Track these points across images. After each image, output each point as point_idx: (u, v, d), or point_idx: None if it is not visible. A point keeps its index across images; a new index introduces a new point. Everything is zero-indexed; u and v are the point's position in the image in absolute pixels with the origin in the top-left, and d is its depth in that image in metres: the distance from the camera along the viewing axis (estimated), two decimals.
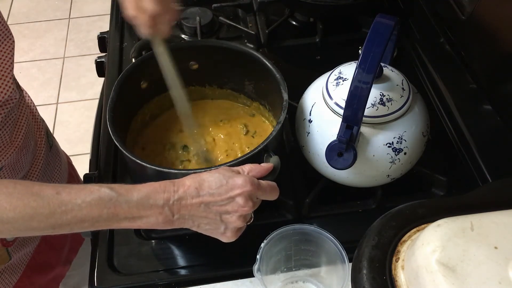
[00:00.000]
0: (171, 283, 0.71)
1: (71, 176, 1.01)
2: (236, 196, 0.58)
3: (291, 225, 0.66)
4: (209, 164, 0.77)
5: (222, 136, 0.83)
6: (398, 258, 0.53)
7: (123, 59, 1.03)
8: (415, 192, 0.80)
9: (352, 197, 0.80)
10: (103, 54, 1.11)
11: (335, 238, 0.64)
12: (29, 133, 0.78)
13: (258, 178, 0.62)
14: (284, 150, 0.86)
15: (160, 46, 0.71)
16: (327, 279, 0.70)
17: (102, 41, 1.14)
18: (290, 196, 0.78)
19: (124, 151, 0.66)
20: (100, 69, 1.08)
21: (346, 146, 0.66)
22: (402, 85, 0.73)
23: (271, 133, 0.68)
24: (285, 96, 0.73)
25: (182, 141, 0.82)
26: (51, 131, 2.05)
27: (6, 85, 0.67)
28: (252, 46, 1.05)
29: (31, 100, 0.88)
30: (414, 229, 0.55)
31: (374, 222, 0.58)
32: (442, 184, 0.79)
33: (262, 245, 0.64)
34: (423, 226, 0.55)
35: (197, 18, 1.05)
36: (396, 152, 0.71)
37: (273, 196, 0.63)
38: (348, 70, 0.75)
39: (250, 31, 1.05)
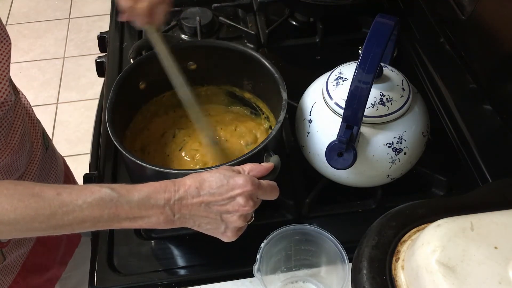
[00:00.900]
0: (171, 283, 0.71)
1: (67, 178, 1.00)
2: (237, 195, 0.58)
3: (291, 225, 0.66)
4: (224, 154, 0.77)
5: (221, 135, 0.83)
6: (398, 258, 0.53)
7: (123, 59, 1.03)
8: (415, 192, 0.80)
9: (352, 197, 0.80)
10: (103, 54, 1.11)
11: (335, 238, 0.64)
12: (25, 134, 0.78)
13: (259, 178, 0.62)
14: (284, 150, 0.86)
15: (155, 34, 0.73)
16: (327, 279, 0.70)
17: (102, 41, 1.14)
18: (290, 196, 0.78)
19: (123, 152, 0.66)
20: (100, 69, 1.08)
21: (346, 146, 0.66)
22: (402, 85, 0.73)
23: (270, 133, 0.68)
24: (284, 95, 0.73)
25: (182, 141, 0.82)
26: (51, 131, 2.06)
27: (2, 87, 0.66)
28: (252, 46, 1.05)
29: (28, 101, 0.88)
30: (414, 229, 0.55)
31: (374, 222, 0.58)
32: (442, 184, 0.79)
33: (262, 245, 0.64)
34: (423, 226, 0.55)
35: (197, 18, 1.05)
36: (396, 152, 0.71)
37: (273, 195, 0.63)
38: (348, 70, 0.75)
39: (250, 31, 1.05)
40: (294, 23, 1.12)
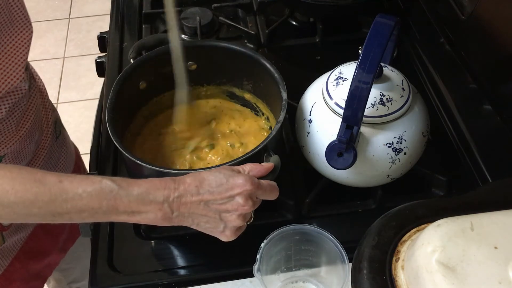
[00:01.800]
0: (171, 283, 0.71)
1: (77, 168, 1.00)
2: (236, 195, 0.58)
3: (291, 225, 0.66)
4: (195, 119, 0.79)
5: (219, 136, 0.83)
6: (398, 258, 0.53)
7: (123, 59, 1.03)
8: (415, 192, 0.80)
9: (352, 197, 0.80)
10: (103, 54, 1.11)
11: (335, 238, 0.64)
12: (36, 123, 0.79)
13: (259, 178, 0.62)
14: (284, 150, 0.86)
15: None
16: (327, 279, 0.70)
17: (102, 41, 1.14)
18: (290, 196, 0.78)
19: (123, 152, 0.66)
20: (100, 69, 1.08)
21: (346, 146, 0.66)
22: (402, 85, 0.73)
23: (270, 133, 0.68)
24: (284, 95, 0.73)
25: (182, 141, 0.82)
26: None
27: (17, 73, 0.67)
28: (252, 46, 1.05)
29: (44, 87, 0.88)
30: (414, 229, 0.55)
31: (374, 222, 0.58)
32: (442, 184, 0.79)
33: (262, 245, 0.64)
34: (423, 226, 0.55)
35: (197, 18, 1.05)
36: (396, 152, 0.71)
37: (273, 195, 0.63)
38: (348, 70, 0.75)
39: (250, 31, 1.05)
40: (294, 23, 1.12)
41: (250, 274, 0.65)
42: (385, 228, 0.56)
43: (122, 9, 1.15)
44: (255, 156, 0.66)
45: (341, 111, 0.69)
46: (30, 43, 0.70)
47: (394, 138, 0.70)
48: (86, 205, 0.56)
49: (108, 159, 0.85)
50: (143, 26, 1.11)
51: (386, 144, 0.70)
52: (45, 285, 1.06)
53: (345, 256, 0.63)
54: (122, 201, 0.56)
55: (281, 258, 0.69)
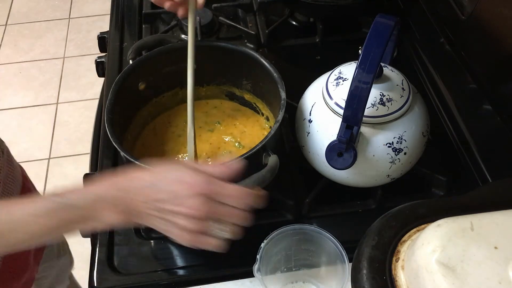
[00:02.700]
0: (171, 283, 0.71)
1: (24, 188, 0.94)
2: (188, 196, 0.53)
3: (291, 225, 0.66)
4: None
5: (217, 136, 0.83)
6: (398, 258, 0.53)
7: (123, 59, 1.03)
8: (415, 192, 0.80)
9: (352, 197, 0.80)
10: (103, 54, 1.11)
11: (335, 238, 0.64)
12: None
13: (234, 181, 0.55)
14: (284, 150, 0.86)
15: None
16: (327, 279, 0.69)
17: (102, 41, 1.14)
18: (290, 196, 0.78)
19: (122, 152, 0.66)
20: (100, 69, 1.08)
21: (346, 146, 0.66)
22: (402, 85, 0.73)
23: (269, 132, 0.68)
24: (283, 95, 0.73)
25: (181, 142, 0.82)
26: (51, 131, 2.05)
27: None
28: (252, 46, 1.05)
29: None
30: (414, 229, 0.55)
31: (374, 222, 0.58)
32: (442, 184, 0.79)
33: (262, 245, 0.64)
34: (423, 226, 0.55)
35: (197, 18, 1.05)
36: (396, 152, 0.71)
37: (248, 202, 0.55)
38: (348, 70, 0.75)
39: (250, 31, 1.05)
40: (294, 23, 1.12)
41: (250, 274, 0.65)
42: (385, 228, 0.56)
43: (122, 9, 1.15)
44: (254, 156, 0.66)
45: (341, 111, 0.69)
46: None
47: (394, 138, 0.70)
48: (38, 229, 0.53)
49: (108, 159, 0.85)
50: (143, 26, 1.11)
51: (386, 144, 0.70)
52: None
53: (345, 256, 0.63)
54: (73, 212, 0.53)
55: (281, 258, 0.69)
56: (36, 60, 2.39)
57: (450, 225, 0.49)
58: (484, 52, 0.83)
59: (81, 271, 1.62)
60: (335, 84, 0.73)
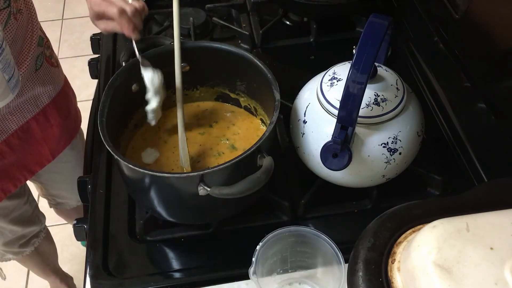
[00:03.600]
0: (166, 286, 0.71)
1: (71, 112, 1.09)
2: None
3: (286, 227, 0.66)
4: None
5: (211, 138, 0.83)
6: (394, 259, 0.53)
7: (116, 60, 1.02)
8: (411, 192, 0.80)
9: (347, 198, 0.79)
10: (97, 55, 1.11)
11: (331, 239, 0.64)
12: (17, 42, 0.82)
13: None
14: (279, 151, 0.85)
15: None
16: (323, 280, 0.69)
17: (96, 42, 1.13)
18: (285, 197, 0.78)
19: (115, 155, 0.66)
20: (94, 70, 1.08)
21: (341, 147, 0.66)
22: (397, 84, 0.73)
23: (264, 134, 0.68)
24: (277, 96, 0.72)
25: (175, 143, 0.82)
26: None
27: None
28: (246, 46, 1.05)
29: (36, 14, 0.92)
30: (410, 230, 0.55)
31: (369, 224, 0.57)
32: (438, 183, 0.79)
33: (258, 247, 0.64)
34: (418, 227, 0.55)
35: (190, 19, 1.05)
36: (391, 152, 0.71)
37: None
38: (342, 70, 0.74)
39: (244, 32, 1.05)
40: (288, 23, 1.11)
41: (246, 277, 0.65)
42: (380, 230, 0.55)
43: None
44: (248, 158, 0.65)
45: (336, 112, 0.68)
46: None
47: (389, 138, 0.70)
48: None
49: (102, 162, 0.84)
50: None
51: (381, 144, 0.70)
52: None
53: (341, 257, 0.63)
54: None
55: (277, 260, 0.69)
56: None
57: (445, 226, 0.49)
58: (478, 50, 0.83)
59: (76, 274, 1.62)
60: (329, 84, 0.73)
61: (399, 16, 1.06)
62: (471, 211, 0.51)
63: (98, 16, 0.77)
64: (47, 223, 1.31)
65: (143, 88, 0.80)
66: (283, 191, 0.79)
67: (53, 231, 1.39)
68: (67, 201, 1.32)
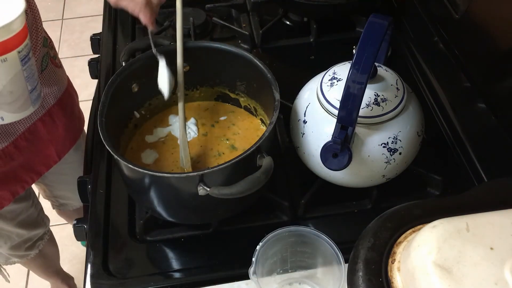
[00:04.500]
0: (166, 287, 0.71)
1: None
2: None
3: (286, 227, 0.66)
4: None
5: (211, 138, 0.83)
6: (394, 259, 0.53)
7: (116, 60, 1.02)
8: (411, 192, 0.80)
9: (347, 198, 0.79)
10: (96, 55, 1.11)
11: (331, 239, 0.64)
12: None
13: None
14: (279, 151, 0.85)
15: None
16: (323, 280, 0.69)
17: (96, 42, 1.13)
18: (285, 197, 0.78)
19: (115, 155, 0.66)
20: (94, 70, 1.08)
21: (341, 147, 0.66)
22: (397, 84, 0.73)
23: (263, 134, 0.68)
24: (277, 96, 0.72)
25: (174, 144, 0.82)
26: None
27: None
28: (246, 46, 1.05)
29: (40, 16, 0.92)
30: (410, 230, 0.55)
31: (369, 223, 0.57)
32: (438, 183, 0.79)
33: (258, 247, 0.64)
34: (418, 227, 0.55)
35: (190, 19, 1.05)
36: (391, 152, 0.71)
37: None
38: (342, 70, 0.74)
39: (244, 32, 1.05)
40: (288, 23, 1.11)
41: (246, 277, 0.65)
42: (380, 230, 0.55)
43: (115, 10, 1.14)
44: (248, 158, 0.65)
45: (336, 112, 0.68)
46: None
47: (389, 138, 0.70)
48: None
49: (102, 162, 0.84)
50: (136, 27, 1.10)
51: (381, 144, 0.70)
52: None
53: (341, 257, 0.63)
54: None
55: (277, 260, 0.69)
56: None
57: (445, 226, 0.49)
58: (478, 50, 0.83)
59: (76, 274, 1.62)
60: (329, 84, 0.73)
61: (399, 16, 1.06)
62: (471, 211, 0.51)
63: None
64: None
65: (143, 88, 0.80)
66: (283, 191, 0.79)
67: (53, 231, 1.39)
68: (71, 202, 1.32)
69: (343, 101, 0.64)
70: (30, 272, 1.64)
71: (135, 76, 0.79)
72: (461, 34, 0.87)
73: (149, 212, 0.76)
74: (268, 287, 0.69)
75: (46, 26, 0.95)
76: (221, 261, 0.73)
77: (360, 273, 0.53)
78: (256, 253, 0.64)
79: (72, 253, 1.74)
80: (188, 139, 0.81)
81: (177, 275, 0.72)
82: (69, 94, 1.06)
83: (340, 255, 0.63)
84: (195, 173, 0.64)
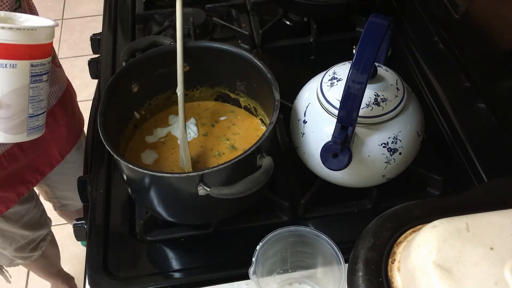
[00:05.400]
0: (166, 287, 0.71)
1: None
2: None
3: (286, 227, 0.66)
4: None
5: (211, 138, 0.83)
6: (394, 259, 0.53)
7: (116, 60, 1.02)
8: (411, 192, 0.80)
9: (347, 198, 0.79)
10: (96, 55, 1.11)
11: (331, 239, 0.64)
12: None
13: None
14: (279, 151, 0.85)
15: None
16: (323, 280, 0.69)
17: (96, 42, 1.13)
18: (285, 197, 0.78)
19: (115, 155, 0.66)
20: (94, 70, 1.08)
21: (341, 147, 0.66)
22: (397, 84, 0.73)
23: (263, 134, 0.68)
24: (277, 96, 0.72)
25: (174, 144, 0.82)
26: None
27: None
28: (246, 46, 1.05)
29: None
30: (410, 230, 0.55)
31: (369, 224, 0.57)
32: (438, 183, 0.79)
33: (258, 247, 0.64)
34: (418, 227, 0.55)
35: (190, 19, 1.05)
36: (391, 152, 0.71)
37: None
38: (342, 70, 0.74)
39: (244, 32, 1.05)
40: (288, 23, 1.11)
41: (246, 276, 0.65)
42: (380, 230, 0.55)
43: (115, 10, 1.14)
44: (248, 158, 0.65)
45: (336, 112, 0.68)
46: None
47: (389, 138, 0.70)
48: None
49: (102, 162, 0.84)
50: (136, 27, 1.10)
51: (381, 144, 0.70)
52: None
53: (341, 257, 0.63)
54: None
55: (277, 260, 0.69)
56: None
57: (445, 226, 0.49)
58: (478, 50, 0.83)
59: (76, 273, 1.62)
60: (329, 84, 0.73)
61: (399, 16, 1.06)
62: (471, 211, 0.51)
63: None
64: None
65: (143, 88, 0.80)
66: (283, 191, 0.79)
67: (53, 232, 1.39)
68: (73, 202, 1.33)
69: (343, 101, 0.64)
70: (30, 272, 1.64)
71: (135, 76, 0.79)
72: (461, 34, 0.87)
73: (149, 212, 0.76)
74: (268, 287, 0.69)
75: None
76: (221, 261, 0.73)
77: (360, 273, 0.53)
78: (256, 253, 0.64)
79: (72, 253, 1.74)
80: (188, 139, 0.81)
81: (177, 275, 0.72)
82: (69, 93, 1.07)
83: (340, 255, 0.63)
84: (195, 173, 0.64)
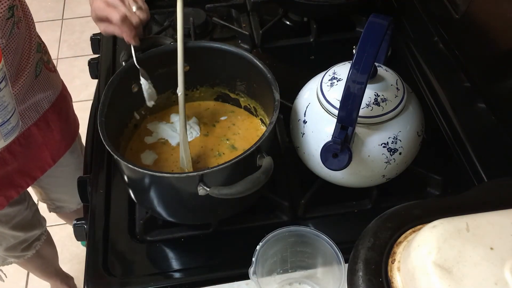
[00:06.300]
0: (166, 287, 0.71)
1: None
2: None
3: (286, 227, 0.66)
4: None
5: (211, 138, 0.83)
6: (394, 259, 0.53)
7: (116, 60, 1.02)
8: (411, 192, 0.80)
9: (347, 198, 0.79)
10: (96, 55, 1.11)
11: (331, 239, 0.64)
12: (16, 56, 0.82)
13: None
14: (279, 151, 0.85)
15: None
16: (323, 280, 0.69)
17: (96, 42, 1.13)
18: (285, 197, 0.78)
19: (115, 155, 0.66)
20: (94, 70, 1.08)
21: (341, 147, 0.66)
22: (397, 84, 0.73)
23: (263, 134, 0.68)
24: (277, 96, 0.72)
25: (166, 149, 0.82)
26: None
27: None
28: (246, 46, 1.05)
29: (34, 24, 0.91)
30: (410, 230, 0.55)
31: (369, 223, 0.57)
32: (438, 183, 0.79)
33: (258, 247, 0.64)
34: (418, 227, 0.55)
35: (190, 19, 1.05)
36: (391, 152, 0.71)
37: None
38: (342, 70, 0.74)
39: (244, 32, 1.05)
40: (288, 23, 1.11)
41: (246, 276, 0.65)
42: (380, 230, 0.55)
43: None
44: (248, 158, 0.65)
45: (336, 112, 0.68)
46: None
47: (389, 138, 0.70)
48: None
49: (102, 162, 0.84)
50: None
51: (381, 144, 0.70)
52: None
53: (341, 257, 0.63)
54: None
55: (277, 260, 0.69)
56: None
57: (445, 226, 0.49)
58: (478, 50, 0.83)
59: (76, 273, 1.62)
60: (329, 84, 0.73)
61: (399, 16, 1.06)
62: (471, 211, 0.51)
63: (100, 19, 0.77)
64: (46, 224, 1.31)
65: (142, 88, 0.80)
66: (283, 191, 0.79)
67: (52, 231, 1.39)
68: (67, 204, 1.32)
69: (343, 101, 0.64)
70: (30, 272, 1.64)
71: (135, 76, 0.79)
72: (461, 34, 0.87)
73: (149, 212, 0.76)
74: (268, 287, 0.69)
75: (46, 26, 0.95)
76: (221, 261, 0.73)
77: (360, 273, 0.53)
78: (256, 253, 0.64)
79: (72, 253, 1.74)
80: (191, 139, 0.81)
81: (177, 275, 0.72)
82: (63, 98, 1.06)
83: (340, 255, 0.63)
84: (195, 173, 0.64)
